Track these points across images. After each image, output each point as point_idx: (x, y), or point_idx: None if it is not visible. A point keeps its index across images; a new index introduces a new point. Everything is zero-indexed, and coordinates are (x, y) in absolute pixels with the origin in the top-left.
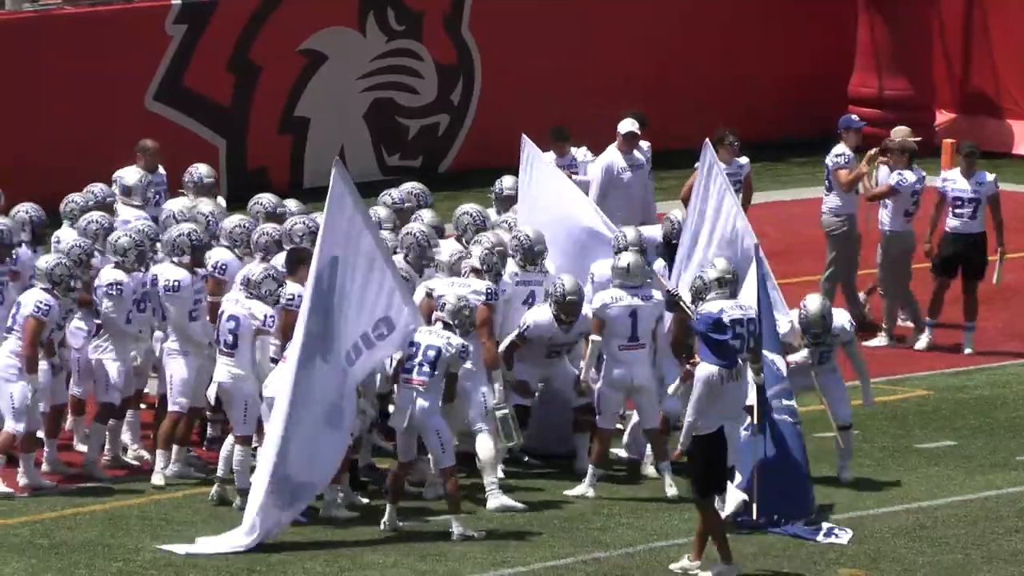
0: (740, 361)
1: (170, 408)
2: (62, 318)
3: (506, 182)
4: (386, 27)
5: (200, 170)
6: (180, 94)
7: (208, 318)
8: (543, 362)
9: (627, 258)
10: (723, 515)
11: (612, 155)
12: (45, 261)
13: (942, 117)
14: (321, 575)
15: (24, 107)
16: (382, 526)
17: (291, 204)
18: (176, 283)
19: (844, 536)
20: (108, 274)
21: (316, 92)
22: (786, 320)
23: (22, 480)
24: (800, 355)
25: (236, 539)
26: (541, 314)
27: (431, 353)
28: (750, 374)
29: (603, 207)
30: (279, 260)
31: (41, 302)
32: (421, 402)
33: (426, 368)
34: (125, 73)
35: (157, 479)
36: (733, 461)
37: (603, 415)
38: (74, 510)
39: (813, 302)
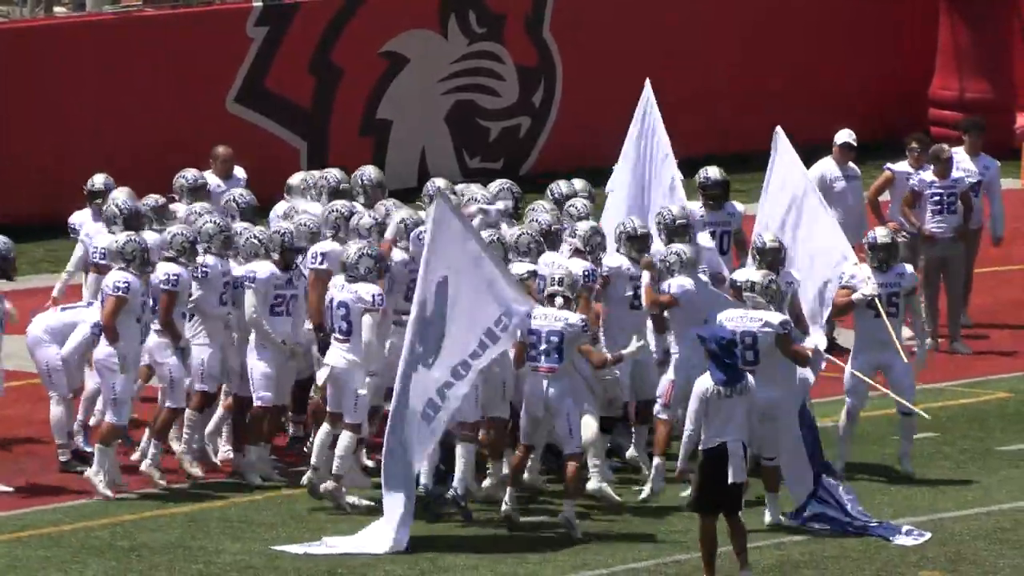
0: (743, 379)
1: (255, 403)
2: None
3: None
4: (467, 29)
5: (334, 173)
6: (261, 96)
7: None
8: (629, 323)
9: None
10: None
11: (826, 165)
12: (115, 240)
13: (1023, 120)
14: None
15: (105, 109)
16: (503, 506)
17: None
18: (252, 274)
19: (922, 538)
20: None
21: (398, 94)
22: (852, 265)
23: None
24: (869, 288)
25: (373, 542)
26: (614, 259)
27: (554, 339)
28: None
29: None
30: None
31: (119, 281)
32: (552, 389)
33: (554, 355)
34: (206, 75)
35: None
36: (738, 478)
37: (672, 404)
38: (154, 512)
39: (880, 228)
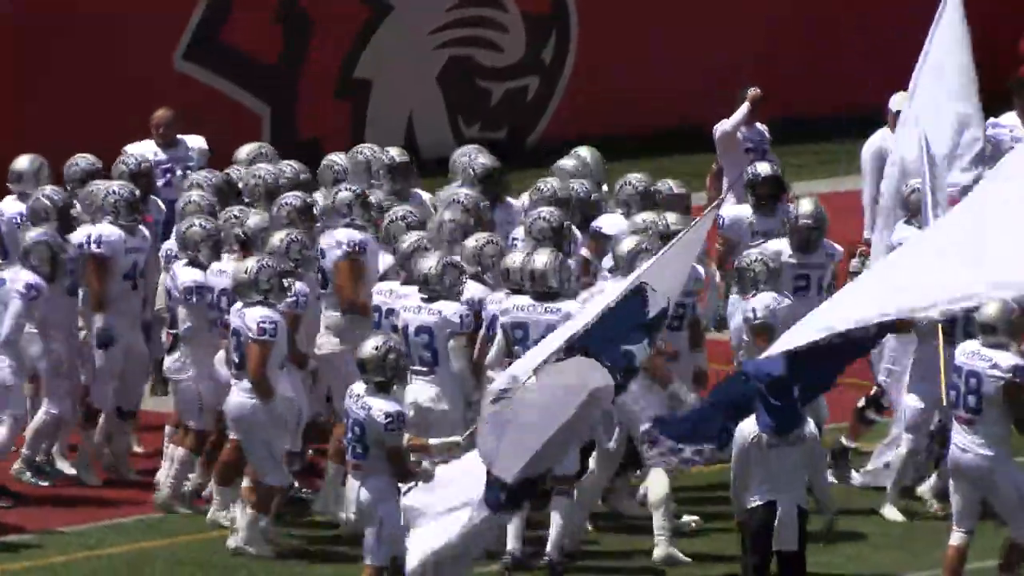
0: (797, 426)
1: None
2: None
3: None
4: None
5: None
6: (216, 52)
7: None
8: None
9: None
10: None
11: (882, 138)
12: (246, 269)
13: None
14: None
15: (27, 67)
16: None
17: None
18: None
19: None
20: (185, 273)
21: (380, 49)
22: None
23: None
24: None
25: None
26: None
27: (357, 429)
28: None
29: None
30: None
31: (264, 321)
32: (363, 488)
33: (359, 448)
34: (149, 27)
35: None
36: (786, 545)
37: None
38: (87, 552)
39: None
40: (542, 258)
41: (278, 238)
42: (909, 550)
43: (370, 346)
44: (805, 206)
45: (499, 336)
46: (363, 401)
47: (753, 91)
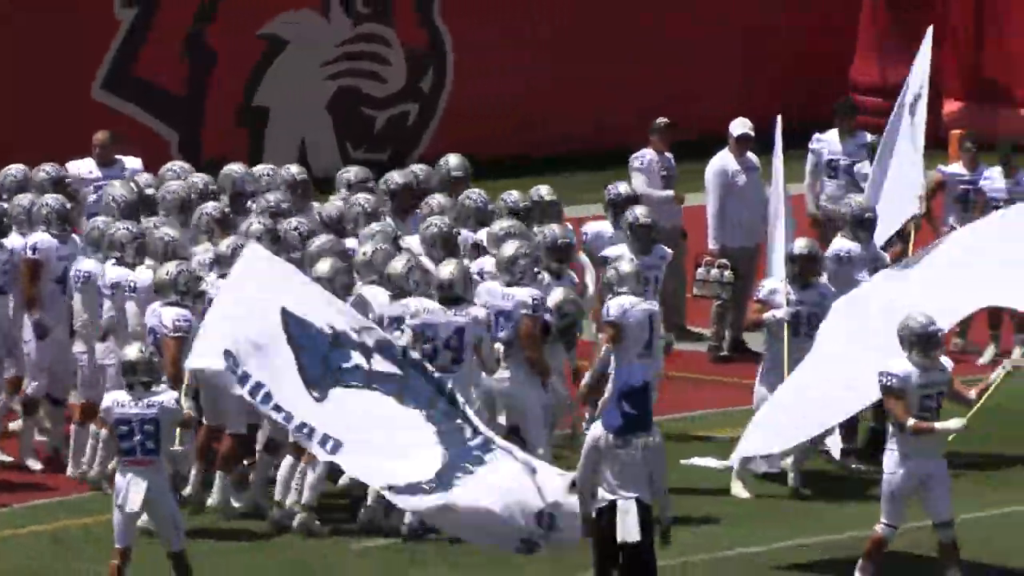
0: (642, 434)
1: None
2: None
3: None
4: (352, 10)
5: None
6: (130, 83)
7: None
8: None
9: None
10: None
11: (724, 159)
12: (166, 271)
13: (950, 106)
14: None
15: None
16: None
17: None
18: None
19: None
20: (112, 271)
21: (276, 80)
22: (774, 279)
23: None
24: (781, 311)
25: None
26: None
27: (149, 427)
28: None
29: (721, 216)
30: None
31: (179, 319)
32: (151, 483)
33: (150, 444)
34: (70, 60)
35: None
36: (627, 537)
37: None
38: (12, 531)
39: (801, 239)
40: (448, 268)
41: (169, 270)
42: (752, 525)
43: (135, 350)
44: (640, 210)
45: (408, 337)
46: (148, 400)
47: (662, 122)
